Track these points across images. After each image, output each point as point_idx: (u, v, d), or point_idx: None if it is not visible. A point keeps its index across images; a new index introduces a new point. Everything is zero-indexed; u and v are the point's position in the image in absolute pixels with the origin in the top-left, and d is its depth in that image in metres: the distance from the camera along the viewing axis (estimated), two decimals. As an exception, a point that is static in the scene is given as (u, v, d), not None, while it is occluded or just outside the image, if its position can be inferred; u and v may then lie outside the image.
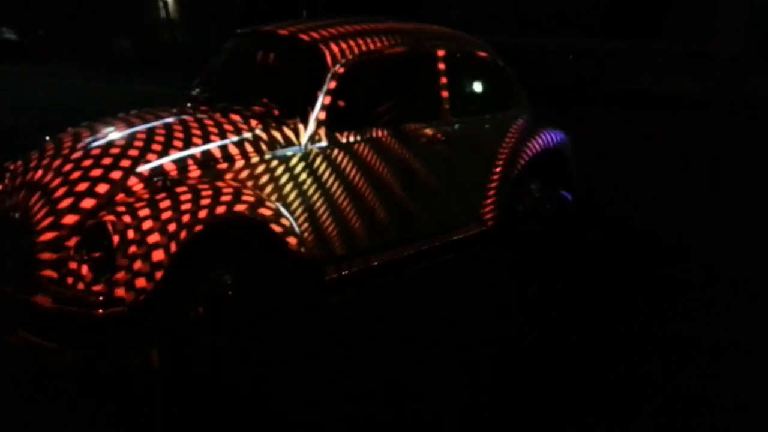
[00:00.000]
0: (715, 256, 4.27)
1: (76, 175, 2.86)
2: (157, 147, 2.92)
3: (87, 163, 2.92)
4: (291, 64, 3.56)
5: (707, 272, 4.03)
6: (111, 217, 2.58)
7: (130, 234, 2.54)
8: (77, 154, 2.97)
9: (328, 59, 3.18)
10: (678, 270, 4.06)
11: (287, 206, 3.01)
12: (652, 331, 3.28)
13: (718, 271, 4.05)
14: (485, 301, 3.63)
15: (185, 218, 2.62)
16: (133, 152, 2.94)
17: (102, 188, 2.73)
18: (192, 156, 2.88)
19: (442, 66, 3.63)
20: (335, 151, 3.17)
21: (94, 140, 3.07)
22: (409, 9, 14.26)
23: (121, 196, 2.70)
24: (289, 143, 3.06)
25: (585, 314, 3.46)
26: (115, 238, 2.52)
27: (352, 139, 3.23)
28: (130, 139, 3.11)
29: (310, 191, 3.12)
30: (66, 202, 2.73)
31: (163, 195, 2.67)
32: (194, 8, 20.26)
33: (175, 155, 2.87)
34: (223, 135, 3.02)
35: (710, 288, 3.81)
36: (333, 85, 3.14)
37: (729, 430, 2.54)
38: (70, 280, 2.58)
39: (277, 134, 3.07)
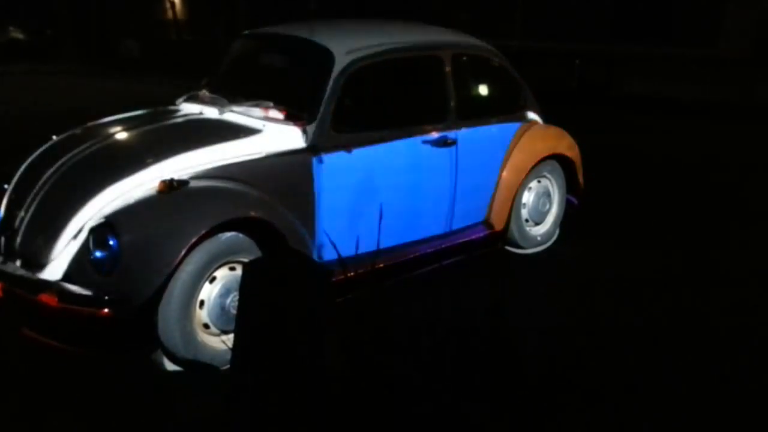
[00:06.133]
0: (717, 265, 4.25)
1: (82, 174, 2.87)
2: (163, 147, 2.92)
3: (94, 162, 2.93)
4: (299, 65, 3.55)
5: (708, 279, 4.01)
6: (118, 217, 2.58)
7: (137, 234, 2.54)
8: (84, 154, 2.97)
9: (336, 61, 3.17)
10: (676, 274, 4.05)
11: (294, 207, 3.00)
12: (651, 332, 3.28)
13: (721, 278, 4.03)
14: (489, 303, 3.61)
15: (192, 219, 2.62)
16: (140, 152, 2.94)
17: (109, 188, 2.73)
18: (198, 156, 2.88)
19: (450, 69, 3.62)
20: (342, 153, 3.16)
21: (101, 140, 3.07)
22: (417, 11, 14.28)
23: (127, 196, 2.70)
24: (295, 144, 3.05)
25: (588, 317, 3.45)
26: (122, 238, 2.51)
27: (359, 140, 3.22)
28: (137, 140, 3.12)
29: (317, 192, 3.10)
30: (73, 202, 2.74)
31: (169, 196, 2.66)
32: (201, 8, 20.32)
33: (182, 155, 2.86)
34: (229, 136, 3.02)
35: (712, 294, 3.79)
36: (340, 86, 3.13)
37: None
38: (75, 280, 2.59)
39: (283, 135, 3.07)
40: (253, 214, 2.79)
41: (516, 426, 2.55)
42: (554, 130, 4.32)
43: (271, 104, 3.23)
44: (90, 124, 3.37)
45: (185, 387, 2.72)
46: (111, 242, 2.53)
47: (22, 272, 2.73)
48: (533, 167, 4.07)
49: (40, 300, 2.57)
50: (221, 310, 2.77)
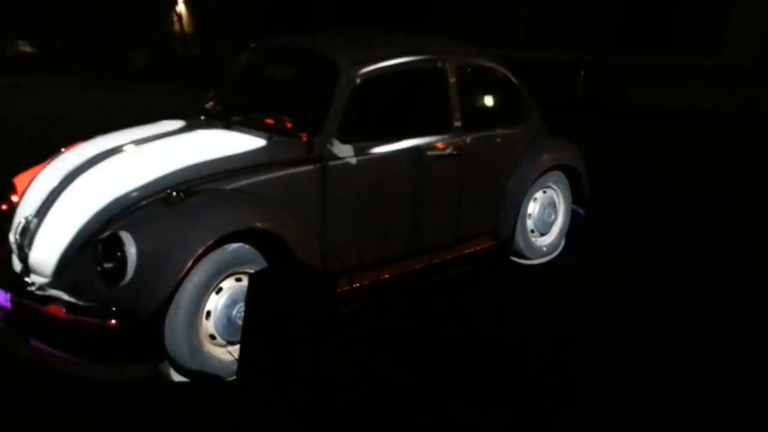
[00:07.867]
0: (723, 274, 4.23)
1: (90, 186, 2.89)
2: (170, 159, 2.94)
3: (101, 174, 2.95)
4: (304, 77, 3.58)
5: (713, 287, 3.99)
6: (125, 229, 2.60)
7: (144, 245, 2.55)
8: (91, 166, 2.99)
9: (342, 73, 3.19)
10: (681, 283, 4.04)
11: (300, 218, 3.01)
12: (655, 342, 3.28)
13: (726, 286, 4.01)
14: (494, 313, 3.61)
15: (198, 230, 2.63)
16: (146, 164, 2.96)
17: (116, 200, 2.75)
18: (205, 168, 2.89)
19: (454, 80, 3.64)
20: (347, 164, 3.17)
21: (108, 152, 3.10)
22: (419, 22, 14.36)
23: (134, 208, 2.72)
24: (301, 156, 3.07)
25: (593, 327, 3.44)
26: (129, 250, 2.53)
27: (364, 152, 3.24)
28: (144, 152, 3.14)
29: (323, 203, 3.12)
30: (80, 213, 2.76)
31: (176, 207, 2.68)
32: (207, 21, 20.49)
33: (189, 167, 2.88)
34: (235, 147, 3.04)
35: (717, 302, 3.78)
36: (346, 98, 3.15)
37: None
38: (83, 291, 2.61)
39: (289, 147, 3.08)
40: (259, 225, 2.80)
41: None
42: (559, 141, 4.32)
43: (277, 115, 3.25)
44: (97, 136, 3.40)
45: (192, 398, 2.73)
46: (118, 254, 2.54)
47: (30, 283, 2.75)
48: (538, 177, 4.07)
49: (48, 311, 2.58)
50: (227, 320, 2.78)
